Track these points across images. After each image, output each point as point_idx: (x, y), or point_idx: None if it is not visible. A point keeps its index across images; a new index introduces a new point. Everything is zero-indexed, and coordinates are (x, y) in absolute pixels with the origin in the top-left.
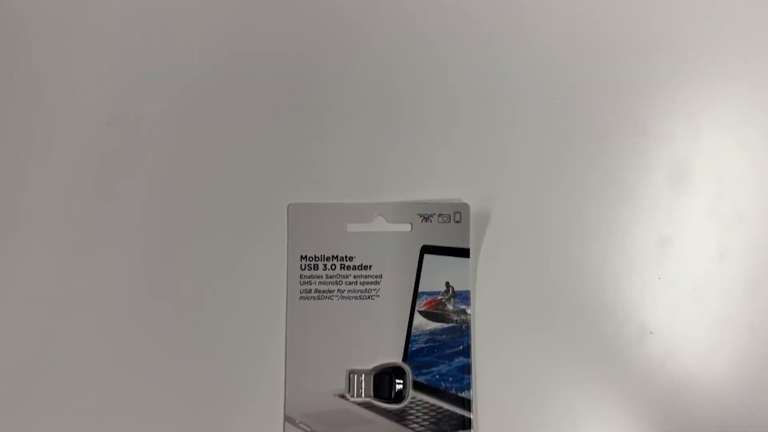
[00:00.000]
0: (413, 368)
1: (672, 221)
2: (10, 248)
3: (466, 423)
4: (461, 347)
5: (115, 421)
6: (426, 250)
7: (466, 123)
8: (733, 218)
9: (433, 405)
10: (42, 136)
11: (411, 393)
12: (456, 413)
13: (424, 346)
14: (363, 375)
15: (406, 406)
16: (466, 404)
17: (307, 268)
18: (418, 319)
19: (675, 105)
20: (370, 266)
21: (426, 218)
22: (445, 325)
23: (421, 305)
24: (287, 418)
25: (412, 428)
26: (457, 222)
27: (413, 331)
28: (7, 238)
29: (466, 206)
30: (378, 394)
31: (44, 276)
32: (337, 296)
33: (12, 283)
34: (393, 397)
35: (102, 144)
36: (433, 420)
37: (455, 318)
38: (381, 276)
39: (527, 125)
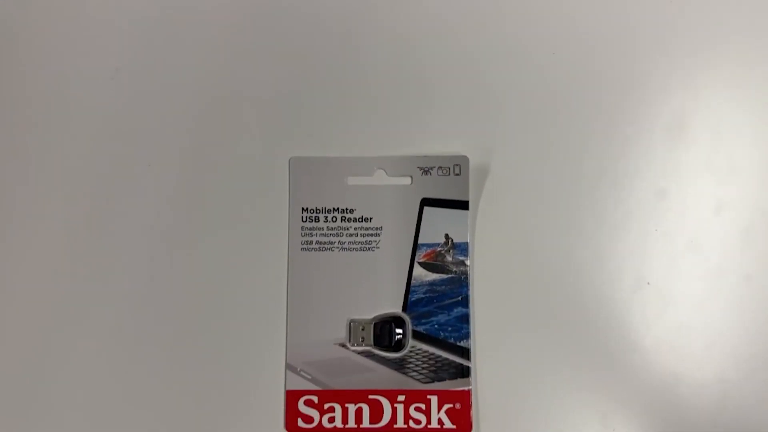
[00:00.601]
0: (413, 318)
1: (668, 174)
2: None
3: (465, 371)
4: (460, 297)
5: (116, 368)
6: (426, 202)
7: (465, 77)
8: (729, 171)
9: (432, 354)
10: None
11: (410, 342)
12: (455, 362)
13: (423, 296)
14: (363, 324)
15: (405, 355)
16: (465, 353)
17: (308, 220)
18: (418, 270)
19: (673, 59)
20: (371, 218)
21: (426, 171)
22: (444, 276)
23: (420, 257)
24: (289, 366)
25: (411, 376)
26: (457, 175)
27: (413, 281)
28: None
29: (465, 159)
30: (378, 342)
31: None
32: (338, 248)
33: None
34: (393, 345)
35: (105, 96)
36: (432, 368)
37: (454, 269)
38: (381, 228)
39: (526, 80)
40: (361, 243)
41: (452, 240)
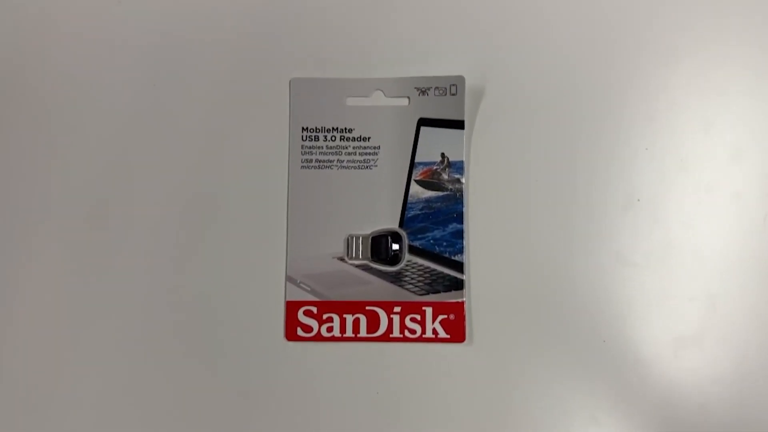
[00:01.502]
0: (409, 234)
1: (658, 96)
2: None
3: (459, 284)
4: (455, 214)
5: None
6: (422, 122)
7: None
8: (717, 93)
9: (428, 267)
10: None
11: (406, 256)
12: (449, 275)
13: (419, 213)
14: (361, 238)
15: (401, 269)
16: (459, 267)
17: (308, 139)
18: (414, 188)
19: None
20: (369, 138)
21: (423, 92)
22: (440, 194)
23: (417, 175)
24: (289, 279)
25: (407, 288)
26: (453, 95)
27: (409, 199)
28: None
29: (461, 79)
30: (375, 256)
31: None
32: (337, 166)
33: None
34: (389, 259)
35: (109, 22)
36: (428, 281)
37: (450, 187)
38: (379, 147)
39: (521, 1)
40: (360, 161)
41: (448, 159)
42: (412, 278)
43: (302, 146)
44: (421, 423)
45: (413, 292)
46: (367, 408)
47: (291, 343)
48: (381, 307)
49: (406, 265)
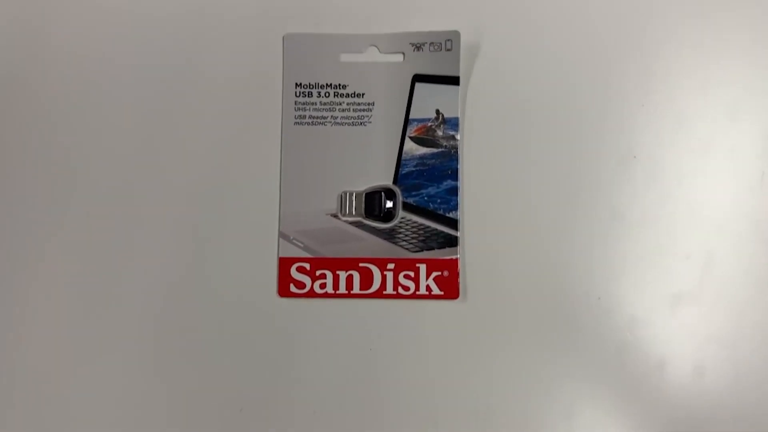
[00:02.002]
0: (403, 191)
1: (656, 52)
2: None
3: (453, 240)
4: (449, 171)
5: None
6: (417, 78)
7: None
8: (715, 50)
9: (422, 224)
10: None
11: (400, 213)
12: (443, 232)
13: (413, 169)
14: (354, 195)
15: (395, 225)
16: (453, 224)
17: (301, 95)
18: (409, 145)
19: None
20: (363, 94)
21: (417, 47)
22: (434, 150)
23: (411, 131)
24: (282, 235)
25: (401, 245)
26: (448, 50)
27: (404, 156)
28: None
29: (456, 34)
30: (368, 212)
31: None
32: (331, 122)
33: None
34: (383, 216)
35: None
36: (422, 238)
37: (444, 143)
38: (373, 104)
39: None
40: (354, 118)
41: (443, 115)
42: (406, 235)
43: (295, 102)
44: (414, 379)
45: (407, 249)
46: (359, 364)
47: (284, 300)
48: (374, 264)
49: (400, 222)
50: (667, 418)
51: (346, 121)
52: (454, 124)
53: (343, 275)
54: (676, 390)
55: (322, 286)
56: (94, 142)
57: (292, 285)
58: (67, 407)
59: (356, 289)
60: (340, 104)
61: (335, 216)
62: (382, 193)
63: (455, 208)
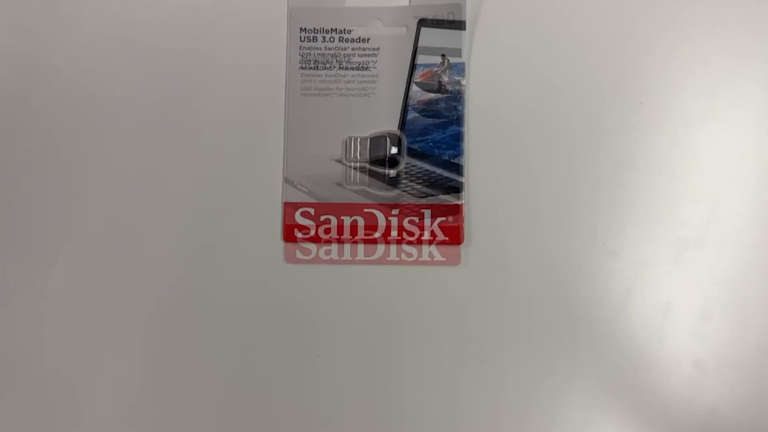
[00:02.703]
0: (408, 136)
1: (665, 1)
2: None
3: (458, 186)
4: (455, 116)
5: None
6: (423, 23)
7: None
8: None
9: (427, 170)
10: None
11: (405, 159)
12: (448, 177)
13: (419, 115)
14: (359, 140)
15: (400, 171)
16: (458, 169)
17: (306, 40)
18: (414, 90)
19: None
20: (368, 39)
21: None
22: (440, 96)
23: (417, 76)
24: (286, 180)
25: (405, 191)
26: None
27: (409, 101)
28: None
29: None
30: (373, 157)
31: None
32: (336, 67)
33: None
34: (388, 161)
35: None
36: (426, 183)
37: (450, 88)
38: (378, 48)
39: None
40: (359, 63)
41: (449, 60)
42: (411, 181)
43: (300, 47)
44: (418, 343)
45: (411, 194)
46: (365, 328)
47: (290, 265)
48: (379, 209)
49: (405, 168)
50: (672, 363)
51: (351, 65)
52: (460, 69)
53: (347, 220)
54: (681, 334)
55: (327, 231)
56: (102, 115)
57: (296, 230)
58: (83, 374)
59: (360, 235)
60: (345, 49)
61: (340, 161)
62: (387, 138)
63: (460, 153)
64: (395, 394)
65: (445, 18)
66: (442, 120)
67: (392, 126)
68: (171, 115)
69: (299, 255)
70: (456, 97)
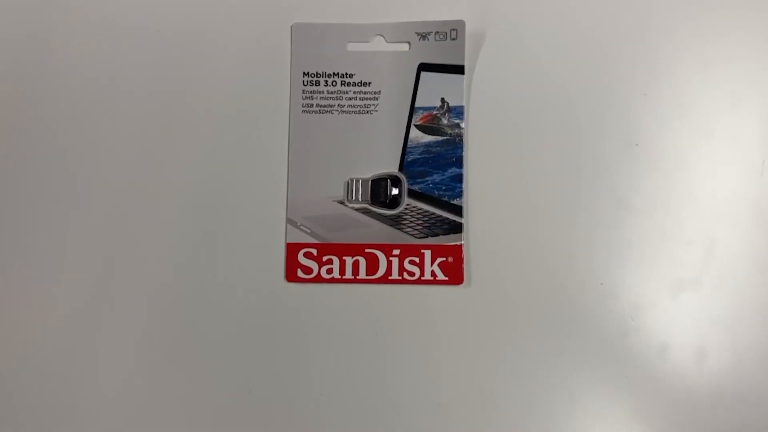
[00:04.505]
0: (409, 178)
1: (658, 41)
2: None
3: (458, 227)
4: (454, 158)
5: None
6: (423, 67)
7: None
8: (716, 36)
9: (427, 211)
10: None
11: (406, 200)
12: (448, 218)
13: (419, 157)
14: (361, 181)
15: (401, 212)
16: (458, 210)
17: (309, 84)
18: (414, 133)
19: None
20: (369, 83)
21: (423, 36)
22: (439, 138)
23: (417, 119)
24: (289, 221)
25: (406, 231)
26: (453, 39)
27: (409, 143)
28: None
29: (461, 23)
30: (375, 199)
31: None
32: (338, 110)
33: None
34: (388, 202)
35: None
36: (426, 224)
37: (449, 131)
38: (379, 92)
39: None
40: (360, 106)
41: (448, 104)
42: (411, 221)
43: (303, 91)
44: (418, 363)
45: (412, 235)
46: (365, 348)
47: (291, 284)
48: (380, 250)
49: (406, 209)
50: (669, 402)
51: (353, 109)
52: (459, 112)
53: (349, 261)
54: (678, 374)
55: (329, 271)
56: (103, 134)
57: (299, 270)
58: (82, 378)
59: (362, 275)
60: (347, 93)
61: (342, 203)
62: (388, 180)
63: (460, 195)
64: (396, 414)
65: (448, 37)
66: (442, 162)
67: (393, 167)
68: (176, 160)
69: (300, 274)
70: (455, 140)
